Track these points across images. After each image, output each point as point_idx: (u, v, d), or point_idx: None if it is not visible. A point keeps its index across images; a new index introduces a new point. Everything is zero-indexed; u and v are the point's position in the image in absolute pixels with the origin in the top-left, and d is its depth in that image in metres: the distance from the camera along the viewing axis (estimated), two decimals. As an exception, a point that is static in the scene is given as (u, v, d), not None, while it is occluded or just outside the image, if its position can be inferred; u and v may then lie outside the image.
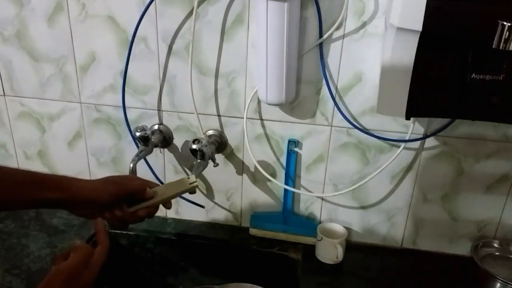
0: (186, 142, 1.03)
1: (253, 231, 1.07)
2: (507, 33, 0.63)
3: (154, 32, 0.94)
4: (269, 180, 0.98)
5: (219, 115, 0.99)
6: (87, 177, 1.11)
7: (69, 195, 0.70)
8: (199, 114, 0.98)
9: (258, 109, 0.97)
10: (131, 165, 0.93)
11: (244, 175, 1.04)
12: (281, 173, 1.02)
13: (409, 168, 0.97)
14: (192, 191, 0.80)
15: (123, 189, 0.74)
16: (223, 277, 1.07)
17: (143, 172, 1.04)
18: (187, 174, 1.06)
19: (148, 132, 0.95)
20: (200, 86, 0.97)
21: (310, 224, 1.04)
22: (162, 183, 1.06)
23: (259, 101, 0.96)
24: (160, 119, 1.02)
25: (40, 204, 0.69)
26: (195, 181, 0.79)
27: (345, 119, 0.93)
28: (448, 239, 1.02)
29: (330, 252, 0.98)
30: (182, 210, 1.11)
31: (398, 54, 0.73)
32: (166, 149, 1.04)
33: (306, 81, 0.93)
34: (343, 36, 0.88)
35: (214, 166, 0.96)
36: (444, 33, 0.69)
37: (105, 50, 0.97)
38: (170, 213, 1.12)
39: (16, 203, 0.69)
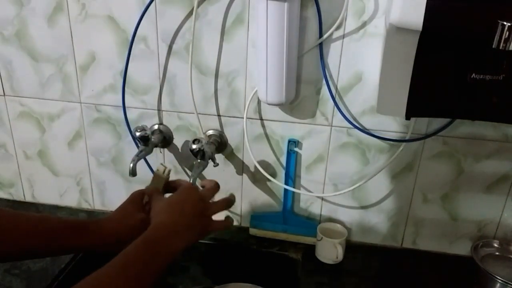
0: (186, 142, 1.03)
1: (253, 231, 1.07)
2: (507, 33, 0.63)
3: (154, 32, 0.94)
4: (269, 180, 0.98)
5: (219, 115, 0.99)
6: (87, 177, 1.11)
7: (102, 240, 0.69)
8: (199, 114, 0.98)
9: (258, 109, 0.97)
10: (131, 165, 0.93)
11: (244, 175, 1.04)
12: (281, 173, 1.02)
13: (409, 168, 0.97)
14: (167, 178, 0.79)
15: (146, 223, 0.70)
16: (223, 277, 1.07)
17: (143, 172, 1.04)
18: (187, 174, 1.06)
19: (148, 132, 0.95)
20: (200, 86, 0.97)
21: (310, 224, 1.04)
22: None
23: (259, 101, 0.96)
24: (160, 119, 1.02)
25: (72, 251, 0.68)
26: (168, 168, 0.79)
27: (345, 119, 0.93)
28: (448, 239, 1.02)
29: (330, 252, 0.98)
30: (182, 210, 1.11)
31: (398, 54, 0.73)
32: (166, 149, 1.04)
33: (306, 81, 0.93)
34: (343, 36, 0.88)
35: (214, 166, 0.96)
36: (444, 33, 0.69)
37: (105, 50, 0.97)
38: (170, 213, 1.12)
39: (49, 252, 0.67)
